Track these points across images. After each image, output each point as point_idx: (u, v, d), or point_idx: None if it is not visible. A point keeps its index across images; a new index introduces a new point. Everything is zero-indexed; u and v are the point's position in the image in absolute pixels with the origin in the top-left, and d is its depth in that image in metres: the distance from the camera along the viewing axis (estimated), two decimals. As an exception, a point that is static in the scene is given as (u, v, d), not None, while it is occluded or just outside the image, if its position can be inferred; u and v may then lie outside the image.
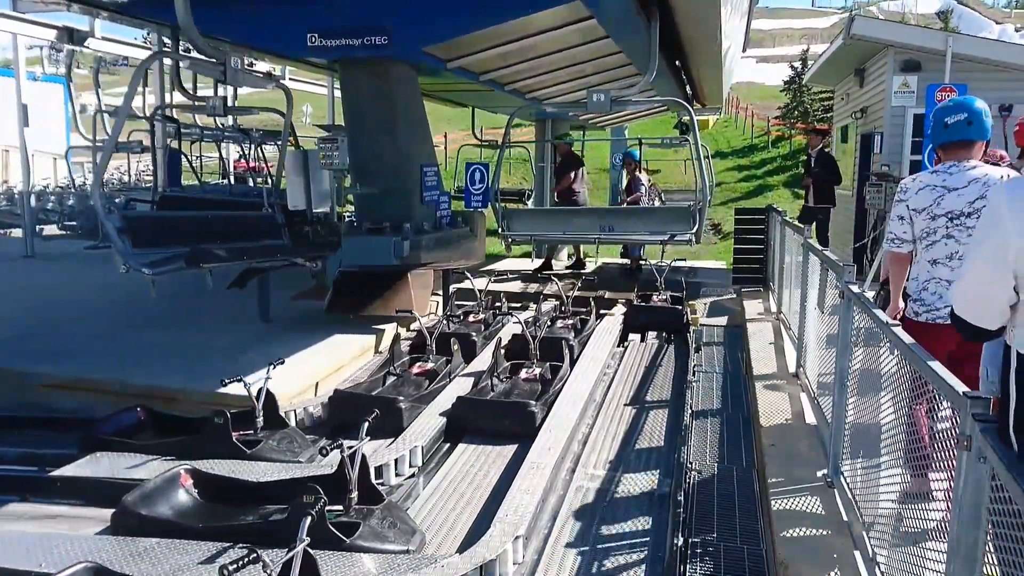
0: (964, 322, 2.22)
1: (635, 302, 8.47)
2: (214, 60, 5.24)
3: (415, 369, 5.97)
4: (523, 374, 5.89)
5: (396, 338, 6.83)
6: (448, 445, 4.88)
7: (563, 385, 5.62)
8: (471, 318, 7.70)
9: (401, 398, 5.19)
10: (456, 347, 6.34)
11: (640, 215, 10.01)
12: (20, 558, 3.15)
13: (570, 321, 7.59)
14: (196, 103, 8.28)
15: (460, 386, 5.61)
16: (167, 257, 5.28)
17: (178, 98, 9.26)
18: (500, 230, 9.40)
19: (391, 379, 5.74)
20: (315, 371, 5.80)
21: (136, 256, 5.02)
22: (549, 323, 7.40)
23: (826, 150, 10.68)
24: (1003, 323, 2.12)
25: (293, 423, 4.98)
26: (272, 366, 4.76)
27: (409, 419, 4.98)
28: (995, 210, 2.11)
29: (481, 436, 4.89)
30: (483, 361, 6.15)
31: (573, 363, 6.22)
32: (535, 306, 7.88)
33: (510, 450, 4.67)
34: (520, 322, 6.58)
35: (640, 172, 11.71)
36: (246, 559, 2.43)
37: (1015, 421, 2.04)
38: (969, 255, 2.30)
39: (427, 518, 3.85)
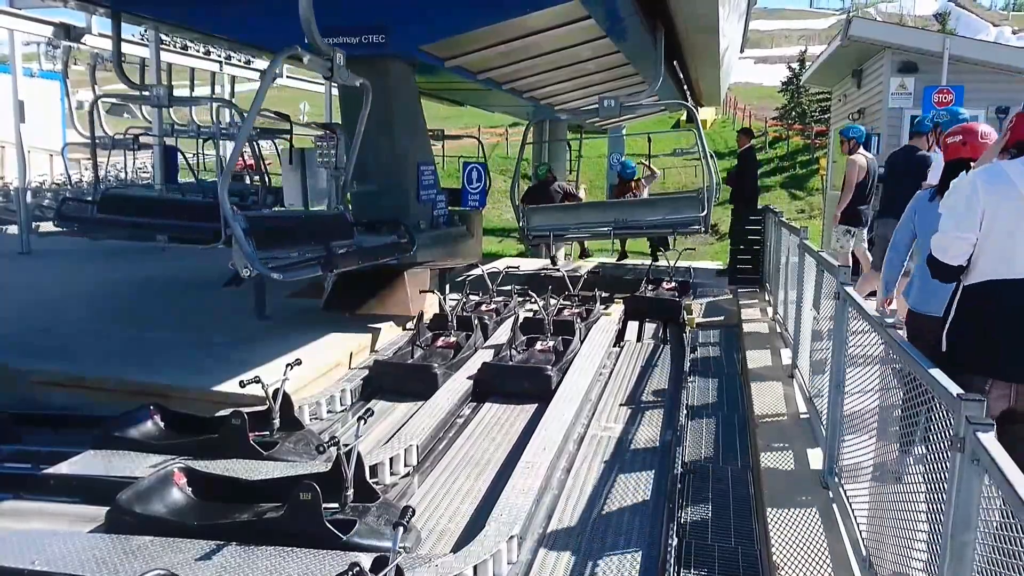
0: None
1: (642, 290, 8.80)
2: (323, 57, 5.26)
3: (439, 343, 6.59)
4: (538, 345, 6.56)
5: (421, 316, 7.37)
6: (475, 404, 5.56)
7: (575, 356, 6.29)
8: (483, 308, 7.96)
9: (435, 365, 5.89)
10: (476, 322, 6.94)
11: (651, 204, 10.22)
12: (12, 556, 3.14)
13: (576, 310, 7.93)
14: (142, 93, 8.18)
15: (484, 355, 6.37)
16: (300, 261, 5.31)
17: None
18: (520, 227, 9.80)
19: (419, 351, 6.36)
20: (314, 368, 5.78)
21: (261, 259, 4.76)
22: (556, 312, 7.57)
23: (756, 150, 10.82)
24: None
25: (338, 402, 5.47)
26: (289, 367, 4.63)
27: (443, 383, 5.63)
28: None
29: (504, 397, 5.58)
30: (501, 336, 6.93)
31: (583, 339, 6.81)
32: (544, 295, 8.06)
33: (530, 408, 5.36)
34: (536, 300, 7.32)
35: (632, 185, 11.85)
36: (349, 573, 2.43)
37: (948, 332, 2.79)
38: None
39: (425, 512, 3.85)
